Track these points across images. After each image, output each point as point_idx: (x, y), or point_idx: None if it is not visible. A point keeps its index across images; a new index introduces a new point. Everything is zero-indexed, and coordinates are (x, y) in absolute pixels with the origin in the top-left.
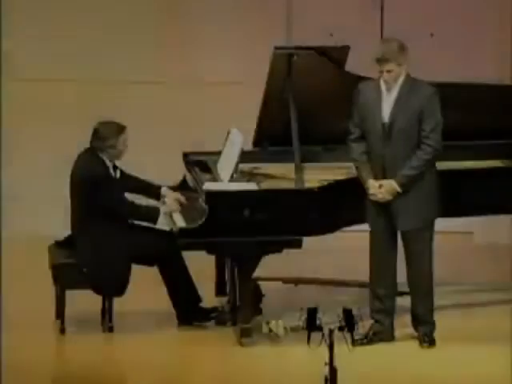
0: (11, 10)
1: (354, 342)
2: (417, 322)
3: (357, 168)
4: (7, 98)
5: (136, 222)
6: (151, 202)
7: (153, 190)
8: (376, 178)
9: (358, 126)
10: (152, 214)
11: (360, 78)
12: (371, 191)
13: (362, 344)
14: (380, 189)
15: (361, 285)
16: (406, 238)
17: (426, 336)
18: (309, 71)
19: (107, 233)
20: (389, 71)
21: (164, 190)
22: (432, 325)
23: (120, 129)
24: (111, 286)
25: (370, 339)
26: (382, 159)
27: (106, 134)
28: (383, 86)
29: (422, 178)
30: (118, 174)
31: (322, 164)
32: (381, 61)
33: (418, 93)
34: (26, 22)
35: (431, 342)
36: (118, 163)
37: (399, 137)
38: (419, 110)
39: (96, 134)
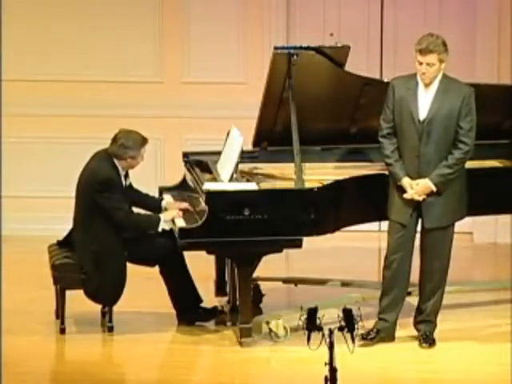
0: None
1: (356, 338)
2: (420, 320)
3: (389, 165)
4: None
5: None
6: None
7: (154, 204)
8: (410, 175)
9: (390, 121)
10: (151, 223)
11: (360, 78)
12: (407, 190)
13: (364, 339)
14: (415, 187)
15: (361, 285)
16: (429, 235)
17: (426, 336)
18: (309, 71)
19: (108, 233)
20: (429, 64)
21: (165, 204)
22: (434, 325)
23: (143, 141)
24: (106, 295)
25: (372, 337)
26: (418, 156)
27: (130, 145)
28: (421, 83)
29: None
30: (127, 184)
31: (321, 164)
32: (424, 51)
33: (455, 91)
34: (21, 20)
35: (431, 343)
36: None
37: (436, 134)
38: (457, 109)
39: (118, 141)
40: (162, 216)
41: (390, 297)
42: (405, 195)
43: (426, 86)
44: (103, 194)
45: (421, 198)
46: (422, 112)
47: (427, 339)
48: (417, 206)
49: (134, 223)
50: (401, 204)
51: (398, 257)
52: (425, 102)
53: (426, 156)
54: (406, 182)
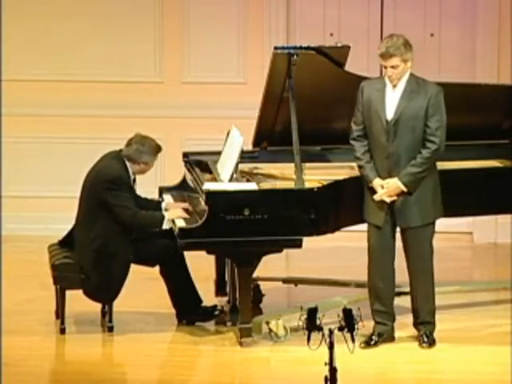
0: (7, 8)
1: (361, 345)
2: (419, 321)
3: (360, 167)
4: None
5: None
6: None
7: (155, 207)
8: (380, 176)
9: (361, 124)
10: (155, 221)
11: (360, 78)
12: (378, 191)
13: (368, 345)
14: (385, 187)
15: (360, 285)
16: (406, 235)
17: (426, 336)
18: (309, 71)
19: (113, 231)
20: (393, 67)
21: (164, 205)
22: (432, 325)
23: (158, 148)
24: (105, 293)
25: (375, 342)
26: (387, 157)
27: (145, 150)
28: (388, 84)
29: (425, 176)
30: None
31: (321, 164)
32: (385, 55)
33: (423, 91)
34: (21, 20)
35: (431, 343)
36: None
37: (403, 134)
38: (425, 108)
39: (133, 145)
40: (166, 215)
41: (383, 303)
42: (374, 196)
43: (394, 86)
44: (112, 192)
45: (388, 200)
46: (389, 112)
47: (427, 339)
48: (391, 207)
49: (139, 222)
50: (375, 206)
51: (380, 259)
52: (392, 102)
53: (395, 156)
54: (376, 183)
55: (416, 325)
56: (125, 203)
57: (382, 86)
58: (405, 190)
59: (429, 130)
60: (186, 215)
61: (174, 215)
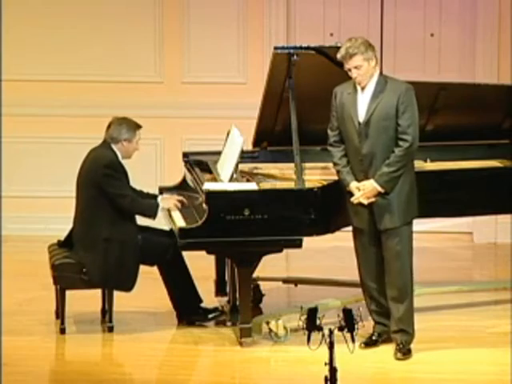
0: (7, 7)
1: (361, 345)
2: (395, 330)
3: (338, 172)
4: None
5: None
6: None
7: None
8: (357, 178)
9: (336, 129)
10: (151, 208)
11: None
12: (355, 194)
13: (368, 345)
14: (361, 190)
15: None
16: (385, 236)
17: (403, 346)
18: (309, 71)
19: (117, 219)
20: (356, 67)
21: (160, 199)
22: (410, 335)
23: (137, 125)
24: (124, 280)
25: (375, 341)
26: (361, 159)
27: (124, 127)
28: (358, 86)
29: (401, 176)
30: None
31: (321, 164)
32: (345, 57)
33: (392, 90)
34: (21, 20)
35: (406, 352)
36: None
37: (375, 135)
38: (395, 107)
39: (112, 125)
40: (160, 203)
41: (378, 302)
42: (351, 199)
43: (363, 88)
44: (109, 179)
45: (366, 202)
46: (361, 114)
47: (402, 349)
48: (371, 209)
49: (137, 210)
50: (355, 209)
51: (368, 261)
52: (363, 104)
53: (368, 157)
54: (352, 185)
55: (393, 333)
56: (121, 192)
57: (353, 89)
58: (381, 190)
59: (400, 129)
60: (179, 206)
61: (168, 204)
